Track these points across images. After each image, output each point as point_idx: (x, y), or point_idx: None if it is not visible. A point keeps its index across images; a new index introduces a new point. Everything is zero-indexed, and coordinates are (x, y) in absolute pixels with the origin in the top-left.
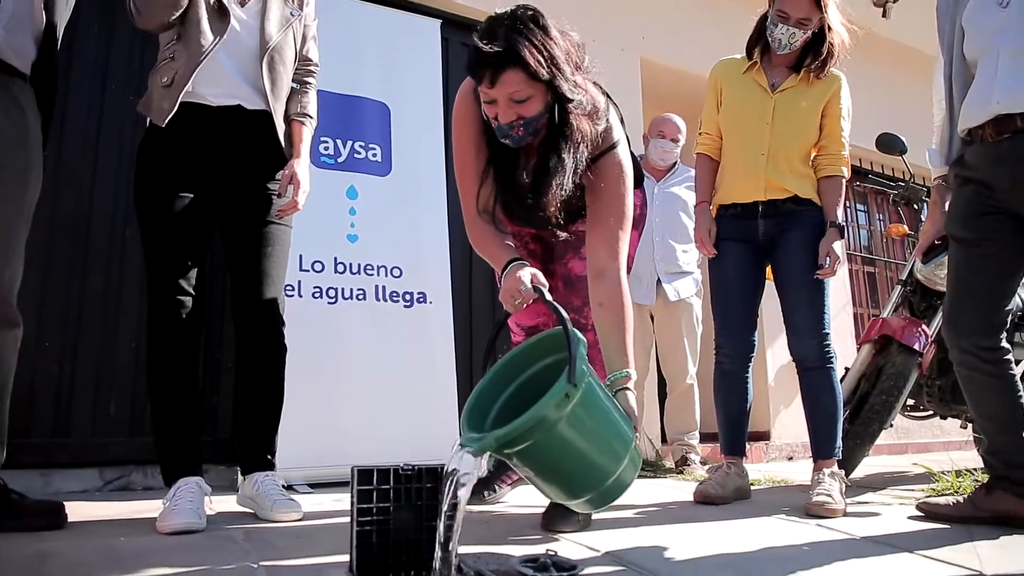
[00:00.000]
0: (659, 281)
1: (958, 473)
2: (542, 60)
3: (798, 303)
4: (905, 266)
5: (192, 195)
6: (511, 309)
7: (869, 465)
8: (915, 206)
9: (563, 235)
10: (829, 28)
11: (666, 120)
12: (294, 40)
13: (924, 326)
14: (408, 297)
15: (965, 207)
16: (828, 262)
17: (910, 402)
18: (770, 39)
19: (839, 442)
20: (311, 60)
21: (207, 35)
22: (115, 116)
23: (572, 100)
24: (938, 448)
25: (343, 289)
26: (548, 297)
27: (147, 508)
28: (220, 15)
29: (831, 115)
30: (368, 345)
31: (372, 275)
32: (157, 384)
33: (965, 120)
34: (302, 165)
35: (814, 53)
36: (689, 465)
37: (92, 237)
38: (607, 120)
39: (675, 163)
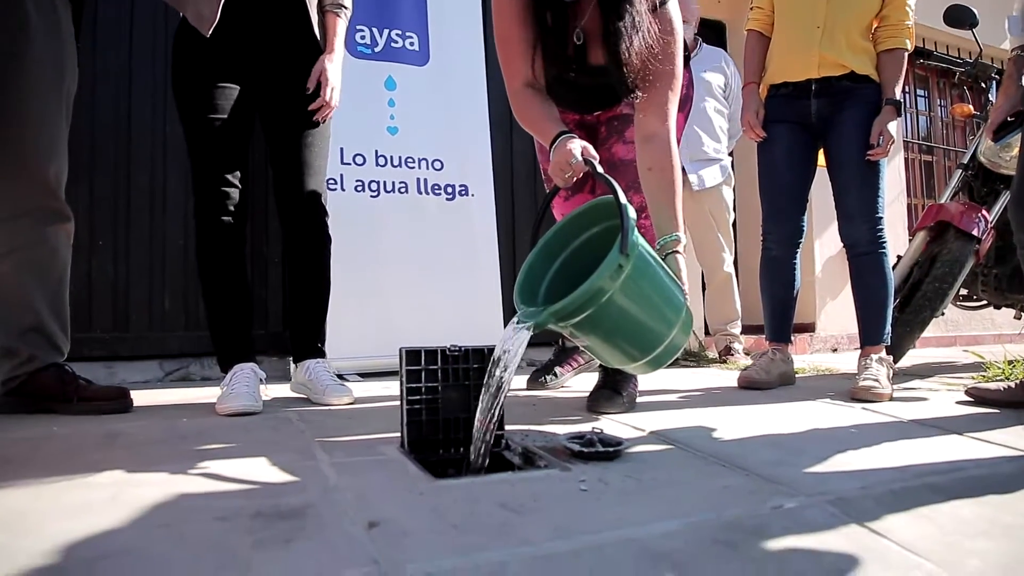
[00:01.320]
0: (684, 170)
1: (1010, 362)
2: None
3: (850, 185)
4: (967, 150)
5: (231, 86)
6: (560, 183)
7: (916, 356)
8: (983, 84)
9: (609, 112)
10: None
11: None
12: None
13: (984, 211)
14: (450, 190)
15: None
16: (881, 141)
17: (963, 292)
18: None
19: (888, 329)
20: None
21: None
22: (146, 10)
23: None
24: (989, 340)
25: (385, 183)
26: (599, 169)
27: (206, 395)
28: None
29: None
30: (411, 239)
31: (413, 168)
32: (208, 277)
33: None
34: (334, 61)
35: None
36: (733, 355)
37: (133, 137)
38: None
39: (697, 45)
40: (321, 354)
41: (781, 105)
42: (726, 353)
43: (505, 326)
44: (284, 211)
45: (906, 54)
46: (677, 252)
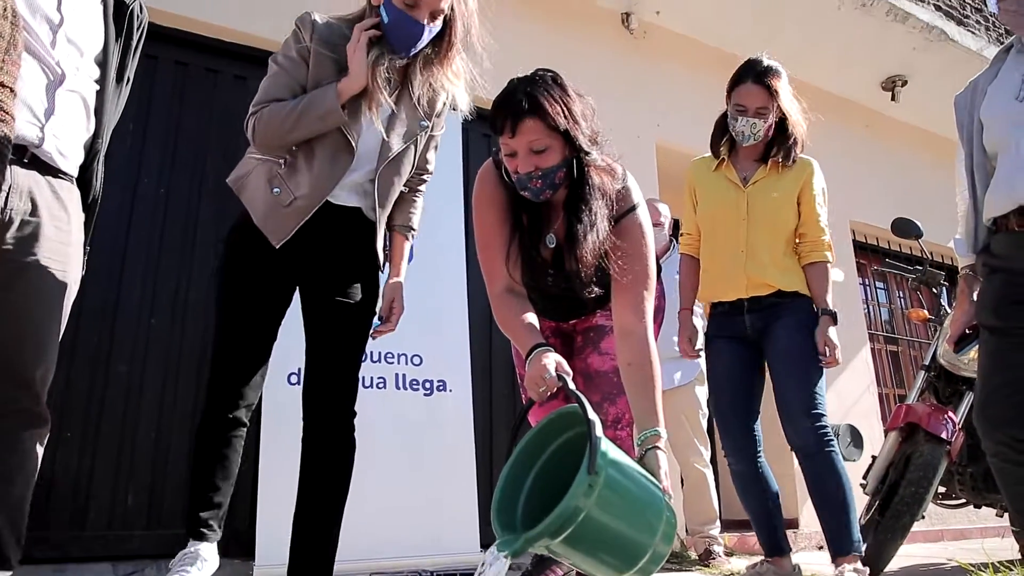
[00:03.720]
0: None
1: (996, 569)
2: (560, 111)
3: (788, 385)
4: (928, 349)
5: (279, 291)
6: (535, 397)
7: (902, 556)
8: (934, 289)
9: (585, 323)
10: (788, 116)
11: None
12: (415, 150)
13: (951, 413)
14: (428, 385)
15: (995, 296)
16: (828, 351)
17: (942, 490)
18: (734, 134)
19: (856, 533)
20: (427, 169)
21: (337, 165)
22: (146, 209)
23: (589, 153)
24: (975, 535)
25: (363, 378)
26: (571, 386)
27: None
28: (347, 145)
29: (806, 201)
30: (388, 435)
31: (392, 363)
32: (202, 458)
33: (989, 209)
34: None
35: (778, 143)
36: (714, 557)
37: (118, 326)
38: (625, 182)
39: (669, 247)
40: None
41: (719, 322)
42: (707, 556)
43: (479, 530)
44: (313, 424)
45: (828, 265)
46: (658, 448)
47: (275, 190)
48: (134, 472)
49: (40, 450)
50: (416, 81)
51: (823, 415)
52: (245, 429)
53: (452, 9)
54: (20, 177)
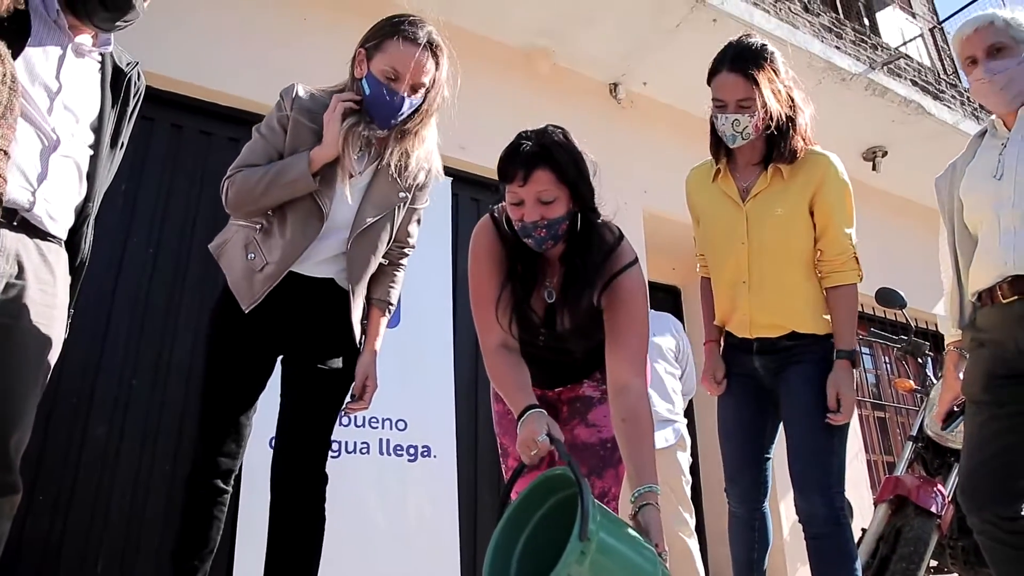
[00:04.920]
0: None
1: None
2: (570, 164)
3: (800, 453)
4: (915, 420)
5: (260, 359)
6: (526, 460)
7: None
8: (919, 359)
9: (572, 392)
10: (771, 115)
11: None
12: (392, 223)
13: (940, 485)
14: (412, 451)
15: (982, 370)
16: (840, 405)
17: (933, 563)
18: (720, 134)
19: None
20: (408, 242)
21: (307, 232)
22: (134, 269)
23: (593, 209)
24: None
25: (347, 442)
26: (564, 450)
27: None
28: (318, 212)
29: (821, 208)
30: (371, 500)
31: (376, 428)
32: (188, 533)
33: (974, 283)
34: (375, 361)
35: (778, 141)
36: None
37: (98, 385)
38: (621, 241)
39: None
40: None
41: (730, 357)
42: None
43: None
44: (282, 486)
45: (854, 286)
46: (651, 504)
47: (250, 255)
48: (106, 538)
49: (9, 519)
50: (391, 152)
51: (840, 492)
52: (228, 496)
53: (432, 82)
54: (8, 240)
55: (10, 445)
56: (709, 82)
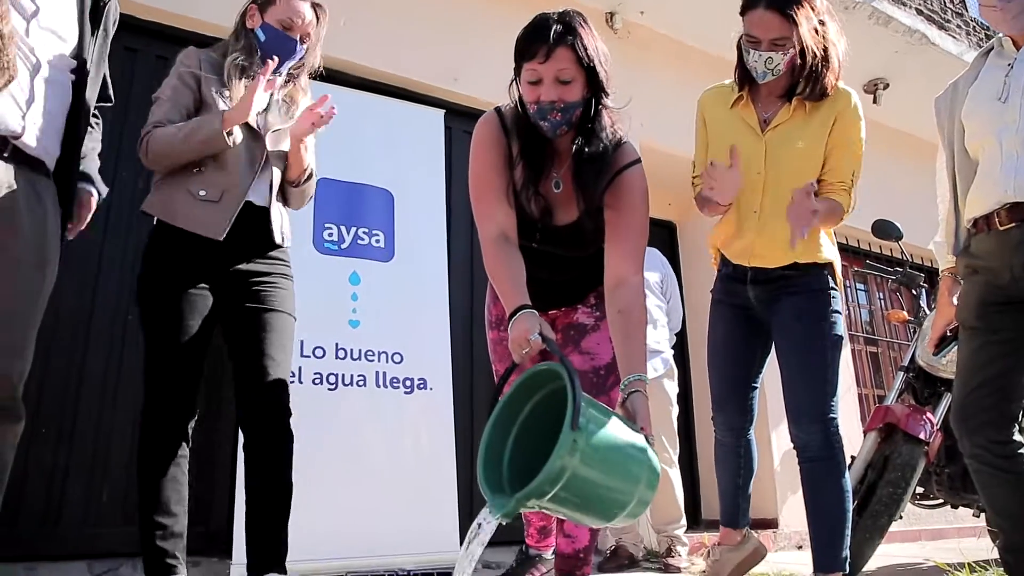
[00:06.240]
0: None
1: (972, 568)
2: (590, 48)
3: (795, 381)
4: (907, 351)
5: (200, 291)
6: (517, 359)
7: (880, 555)
8: (913, 291)
9: (566, 318)
10: (807, 54)
11: None
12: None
13: (929, 414)
14: (408, 383)
15: (976, 297)
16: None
17: (919, 490)
18: (749, 69)
19: (846, 550)
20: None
21: (249, 164)
22: (124, 204)
23: (608, 95)
24: (952, 535)
25: (343, 375)
26: (556, 347)
27: None
28: (254, 136)
29: (835, 140)
30: (367, 432)
31: (373, 360)
32: (147, 481)
33: (972, 208)
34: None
35: (806, 75)
36: (674, 556)
37: (94, 321)
38: (626, 142)
39: None
40: (282, 569)
41: (723, 285)
42: (667, 555)
43: (459, 529)
44: (245, 409)
45: (840, 206)
46: (640, 391)
47: (200, 192)
48: (109, 469)
49: (12, 447)
50: (281, 91)
51: (834, 418)
52: (188, 447)
53: (317, 38)
54: (1, 172)
55: (14, 372)
56: (743, 14)
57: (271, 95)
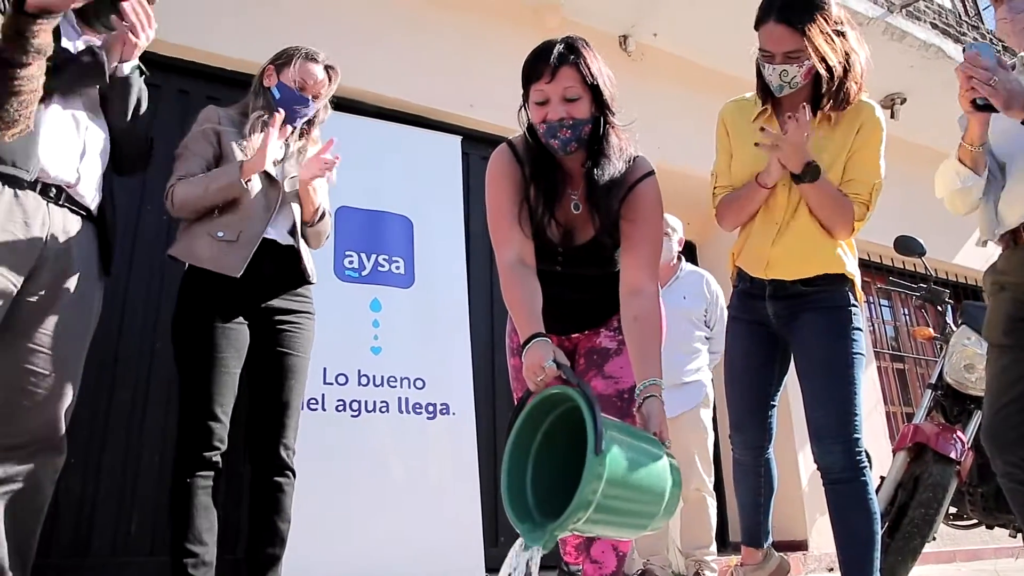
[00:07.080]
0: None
1: None
2: (593, 67)
3: (817, 400)
4: (935, 368)
5: (237, 325)
6: (532, 387)
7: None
8: (938, 307)
9: (589, 342)
10: (825, 66)
11: None
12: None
13: (959, 432)
14: (431, 408)
15: (1003, 313)
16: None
17: (952, 510)
18: (768, 84)
19: (876, 574)
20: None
21: (265, 207)
22: (150, 233)
23: (614, 114)
24: (988, 555)
25: (366, 402)
26: (571, 374)
27: None
28: (271, 183)
29: (855, 153)
30: (391, 458)
31: (395, 387)
32: (180, 509)
33: (1006, 219)
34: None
35: (829, 87)
36: None
37: (120, 355)
38: (638, 153)
39: (678, 265)
40: None
41: (740, 302)
42: None
43: (483, 554)
44: (254, 446)
45: (851, 210)
46: (654, 396)
47: (218, 233)
48: (137, 498)
49: (53, 481)
50: (294, 143)
51: (858, 438)
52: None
53: (321, 96)
54: (55, 216)
55: (62, 410)
56: (756, 28)
57: (287, 145)
